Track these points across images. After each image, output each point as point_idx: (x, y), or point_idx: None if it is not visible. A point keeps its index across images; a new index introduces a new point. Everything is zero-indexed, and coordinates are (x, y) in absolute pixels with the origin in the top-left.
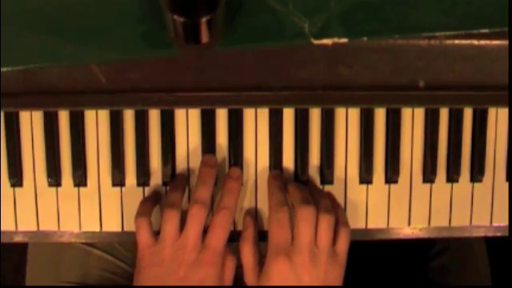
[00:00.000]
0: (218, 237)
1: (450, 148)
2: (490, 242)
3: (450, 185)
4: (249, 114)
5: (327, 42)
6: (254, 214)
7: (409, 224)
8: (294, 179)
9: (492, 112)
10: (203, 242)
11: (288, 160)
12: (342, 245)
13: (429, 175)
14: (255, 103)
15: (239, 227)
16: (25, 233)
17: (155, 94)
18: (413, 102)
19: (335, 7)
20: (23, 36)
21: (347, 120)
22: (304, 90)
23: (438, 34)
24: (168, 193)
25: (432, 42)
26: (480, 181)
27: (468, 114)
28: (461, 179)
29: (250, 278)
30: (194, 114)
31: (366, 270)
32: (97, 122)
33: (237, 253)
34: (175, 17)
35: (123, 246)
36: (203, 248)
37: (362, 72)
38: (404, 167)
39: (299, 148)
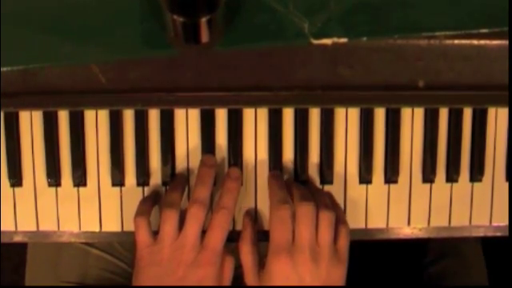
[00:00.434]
0: (217, 237)
1: (449, 148)
2: (491, 242)
3: (449, 185)
4: (248, 114)
5: (327, 42)
6: (252, 213)
7: (408, 224)
8: (293, 179)
9: (491, 112)
10: (202, 241)
11: (288, 160)
12: (343, 242)
13: (428, 175)
14: (255, 103)
15: (238, 227)
16: (24, 233)
17: (155, 94)
18: (412, 102)
19: (335, 7)
20: (23, 36)
21: (347, 120)
22: (304, 90)
23: (437, 33)
24: (167, 193)
25: (432, 41)
26: (480, 180)
27: (468, 113)
28: (460, 179)
29: (249, 278)
30: (194, 114)
31: (362, 276)
32: (96, 122)
33: (236, 253)
34: (175, 17)
35: (123, 246)
36: (202, 248)
37: (361, 72)
38: (404, 167)
39: (299, 148)
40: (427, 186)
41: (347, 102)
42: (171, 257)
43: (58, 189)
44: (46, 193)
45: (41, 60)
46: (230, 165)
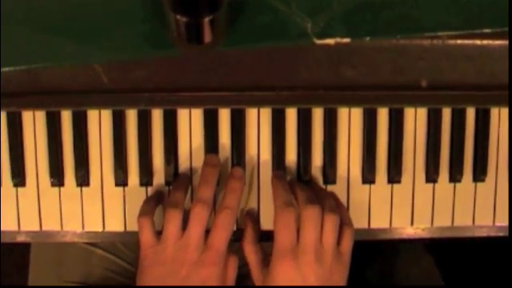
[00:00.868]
0: (221, 237)
1: (452, 148)
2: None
3: (452, 185)
4: (251, 113)
5: (330, 41)
6: (253, 212)
7: (411, 224)
8: (296, 179)
9: (495, 112)
10: (206, 241)
11: (291, 160)
12: (346, 244)
13: (431, 175)
14: (258, 103)
15: (242, 227)
16: (27, 233)
17: (158, 94)
18: (415, 102)
19: (338, 7)
20: (25, 36)
21: (350, 120)
22: (307, 90)
23: (440, 33)
24: (171, 192)
25: (434, 41)
26: (483, 181)
27: (471, 113)
28: (463, 179)
29: (256, 275)
30: (197, 114)
31: None
32: (99, 121)
33: (240, 252)
34: (178, 17)
35: (126, 246)
36: (206, 248)
37: (364, 72)
38: (407, 167)
39: (302, 148)
40: (430, 186)
41: (350, 102)
42: (175, 257)
43: (61, 188)
44: (49, 192)
45: (43, 60)
46: (233, 164)
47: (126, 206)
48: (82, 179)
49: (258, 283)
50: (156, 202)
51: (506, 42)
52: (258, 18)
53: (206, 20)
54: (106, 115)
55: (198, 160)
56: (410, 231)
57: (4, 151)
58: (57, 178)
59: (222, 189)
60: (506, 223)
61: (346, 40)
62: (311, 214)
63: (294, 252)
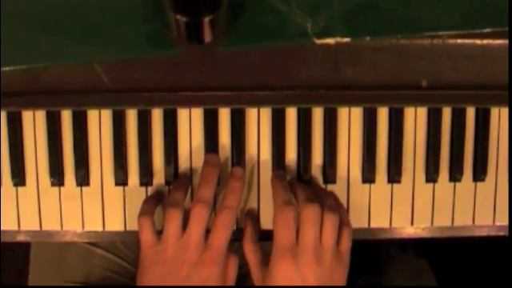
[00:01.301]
0: (221, 236)
1: (452, 147)
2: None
3: (452, 184)
4: (251, 113)
5: (330, 41)
6: (254, 212)
7: (412, 223)
8: (296, 178)
9: (495, 111)
10: (206, 241)
11: (291, 159)
12: (345, 244)
13: (431, 175)
14: (258, 103)
15: (242, 226)
16: (27, 232)
17: (158, 94)
18: (415, 102)
19: (338, 7)
20: (25, 35)
21: (350, 119)
22: (307, 90)
23: (440, 33)
24: (171, 192)
25: (435, 41)
26: (483, 180)
27: (471, 113)
28: (464, 179)
29: (256, 275)
30: (197, 114)
31: None
32: (99, 121)
33: (240, 252)
34: (178, 16)
35: (126, 246)
36: (206, 247)
37: (364, 71)
38: (407, 167)
39: (302, 147)
40: (430, 185)
41: (350, 102)
42: (175, 256)
43: (61, 188)
44: (49, 192)
45: (43, 60)
46: (233, 164)
47: (126, 206)
48: (82, 179)
49: (257, 283)
50: (156, 202)
51: (506, 42)
52: (259, 17)
53: (206, 20)
54: (106, 115)
55: (198, 160)
56: (410, 231)
57: (4, 151)
58: (57, 177)
59: (222, 188)
60: (505, 223)
61: (346, 40)
62: (311, 213)
63: (294, 251)
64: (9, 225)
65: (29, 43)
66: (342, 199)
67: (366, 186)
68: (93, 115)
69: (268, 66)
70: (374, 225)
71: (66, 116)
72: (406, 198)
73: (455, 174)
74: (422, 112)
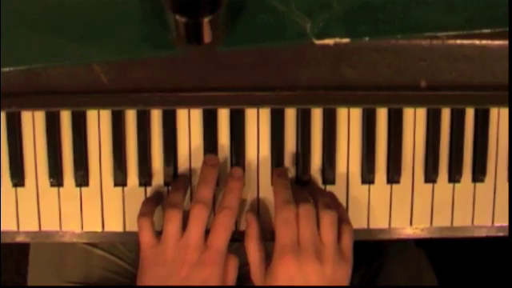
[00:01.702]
0: (221, 236)
1: (451, 148)
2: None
3: (451, 185)
4: (251, 114)
5: (329, 42)
6: (256, 212)
7: (411, 224)
8: (295, 179)
9: (494, 112)
10: (206, 242)
11: (290, 160)
12: (346, 242)
13: (431, 175)
14: (257, 103)
15: (241, 227)
16: (27, 233)
17: (157, 94)
18: (415, 102)
19: (337, 7)
20: (25, 36)
21: (349, 120)
22: (306, 90)
23: (439, 34)
24: (170, 193)
25: (434, 42)
26: (482, 181)
27: (470, 114)
28: (463, 179)
29: (256, 275)
30: (196, 114)
31: None
32: (99, 122)
33: (239, 252)
34: (177, 17)
35: (125, 246)
36: (206, 248)
37: (363, 72)
38: (406, 167)
39: (301, 148)
40: (429, 186)
41: (349, 102)
42: (175, 257)
43: (60, 189)
44: (48, 193)
45: (43, 60)
46: (232, 165)
47: (125, 207)
48: (81, 179)
49: (257, 282)
50: (155, 203)
51: (505, 42)
52: (258, 18)
53: (206, 20)
54: (106, 115)
55: (198, 160)
56: (409, 231)
57: (3, 151)
58: (56, 178)
59: (222, 189)
60: (504, 223)
61: (346, 40)
62: (305, 211)
63: (295, 249)
64: (8, 225)
65: (28, 44)
66: (341, 200)
67: (365, 186)
68: (92, 116)
69: (267, 66)
70: (373, 225)
71: (65, 116)
72: (405, 199)
73: (454, 175)
74: (421, 113)
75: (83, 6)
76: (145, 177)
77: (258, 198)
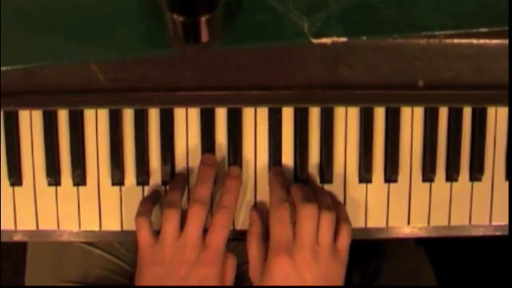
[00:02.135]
0: (219, 236)
1: (449, 147)
2: (490, 242)
3: (449, 184)
4: (248, 113)
5: (327, 41)
6: (259, 209)
7: (408, 223)
8: (293, 178)
9: (491, 111)
10: (203, 241)
11: (287, 159)
12: (343, 241)
13: (428, 174)
14: (255, 102)
15: (239, 226)
16: (24, 232)
17: (154, 94)
18: (412, 101)
19: (335, 6)
20: (22, 35)
21: (347, 119)
22: (303, 90)
23: (437, 33)
24: (168, 192)
25: (431, 41)
26: (479, 180)
27: (467, 113)
28: (460, 178)
29: (255, 273)
30: (194, 113)
31: None
32: (96, 121)
33: (237, 252)
34: (175, 16)
35: (123, 246)
36: (204, 247)
37: (361, 71)
38: (403, 166)
39: (299, 147)
40: (427, 185)
41: (347, 102)
42: (173, 256)
43: (58, 188)
44: (46, 192)
45: (40, 59)
46: (229, 164)
47: (123, 206)
48: (79, 178)
49: (255, 280)
50: (153, 202)
51: (502, 42)
52: (255, 17)
53: (203, 19)
54: (103, 114)
55: (195, 159)
56: (406, 230)
57: (1, 150)
58: (53, 177)
59: (219, 189)
60: (502, 222)
61: (343, 39)
62: (308, 211)
63: (290, 248)
64: (5, 224)
65: (25, 43)
66: (339, 199)
67: (363, 185)
68: (89, 115)
69: (265, 65)
70: (370, 224)
71: (63, 116)
72: (402, 198)
73: (452, 174)
74: (419, 112)
75: (81, 6)
76: (142, 176)
77: (255, 198)
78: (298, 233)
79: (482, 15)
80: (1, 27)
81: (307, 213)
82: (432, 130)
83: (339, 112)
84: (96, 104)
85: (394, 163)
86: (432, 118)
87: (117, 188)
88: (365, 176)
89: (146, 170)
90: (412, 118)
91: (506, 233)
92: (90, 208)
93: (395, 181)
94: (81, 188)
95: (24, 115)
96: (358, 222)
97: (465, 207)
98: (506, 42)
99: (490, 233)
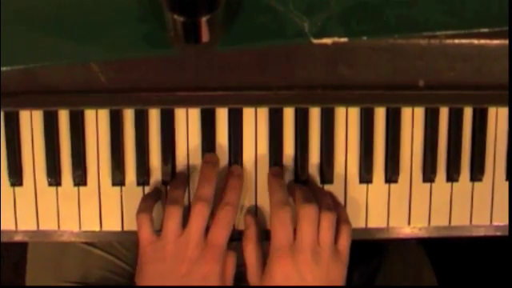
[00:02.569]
0: (221, 233)
1: (449, 147)
2: (490, 242)
3: (449, 184)
4: (249, 113)
5: (327, 41)
6: (254, 212)
7: (409, 223)
8: (294, 179)
9: (492, 111)
10: (206, 238)
11: (288, 159)
12: (344, 242)
13: (429, 174)
14: (255, 103)
15: (240, 227)
16: (25, 232)
17: (155, 94)
18: (413, 102)
19: (335, 7)
20: (23, 35)
21: (347, 119)
22: (304, 90)
23: (437, 33)
24: (170, 190)
25: (432, 41)
26: (480, 180)
27: (468, 113)
28: (461, 178)
29: (253, 277)
30: (194, 114)
31: None
32: (97, 121)
33: (237, 252)
34: (175, 16)
35: (123, 246)
36: (206, 245)
37: (361, 71)
38: (404, 166)
39: (299, 147)
40: (427, 185)
41: (347, 102)
42: (175, 253)
43: (59, 188)
44: (47, 192)
45: (41, 59)
46: (230, 164)
47: (123, 206)
48: (79, 179)
49: (253, 284)
50: (154, 200)
51: (503, 42)
52: (256, 17)
53: (204, 19)
54: (104, 115)
55: (196, 159)
56: (407, 231)
57: (1, 151)
58: (54, 177)
59: (219, 188)
60: (503, 223)
61: (344, 39)
62: (308, 212)
63: (291, 249)
64: (6, 225)
65: (26, 43)
66: (340, 199)
67: (364, 185)
68: (90, 115)
69: (265, 65)
70: (371, 225)
71: (63, 116)
72: (403, 198)
73: (452, 174)
74: (420, 112)
75: (81, 5)
76: (143, 176)
77: (255, 198)
78: (299, 234)
79: (483, 15)
80: (1, 27)
81: (307, 213)
82: (432, 130)
83: (340, 112)
84: (96, 104)
85: (395, 163)
86: (432, 118)
87: (117, 188)
88: (365, 176)
89: (147, 170)
90: (412, 119)
91: (507, 233)
92: (90, 208)
93: (396, 181)
94: (81, 188)
95: (24, 115)
96: (358, 222)
97: (465, 207)
98: (506, 42)
99: (490, 233)
